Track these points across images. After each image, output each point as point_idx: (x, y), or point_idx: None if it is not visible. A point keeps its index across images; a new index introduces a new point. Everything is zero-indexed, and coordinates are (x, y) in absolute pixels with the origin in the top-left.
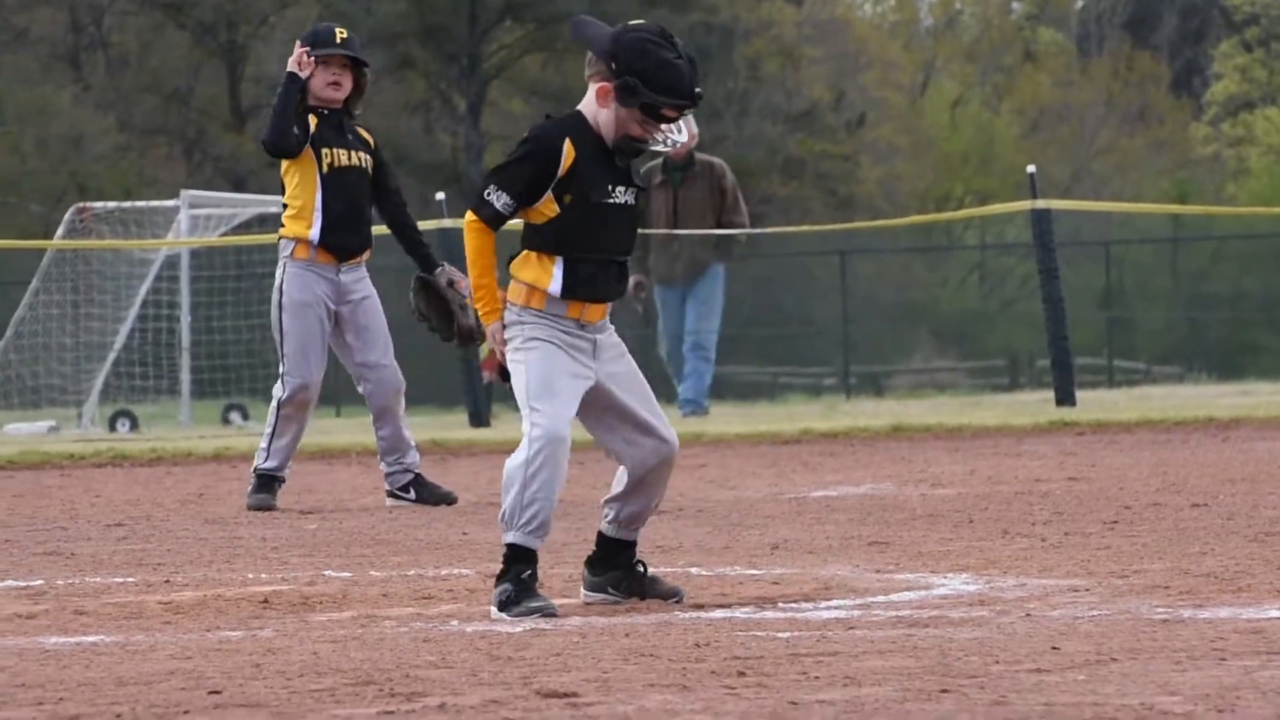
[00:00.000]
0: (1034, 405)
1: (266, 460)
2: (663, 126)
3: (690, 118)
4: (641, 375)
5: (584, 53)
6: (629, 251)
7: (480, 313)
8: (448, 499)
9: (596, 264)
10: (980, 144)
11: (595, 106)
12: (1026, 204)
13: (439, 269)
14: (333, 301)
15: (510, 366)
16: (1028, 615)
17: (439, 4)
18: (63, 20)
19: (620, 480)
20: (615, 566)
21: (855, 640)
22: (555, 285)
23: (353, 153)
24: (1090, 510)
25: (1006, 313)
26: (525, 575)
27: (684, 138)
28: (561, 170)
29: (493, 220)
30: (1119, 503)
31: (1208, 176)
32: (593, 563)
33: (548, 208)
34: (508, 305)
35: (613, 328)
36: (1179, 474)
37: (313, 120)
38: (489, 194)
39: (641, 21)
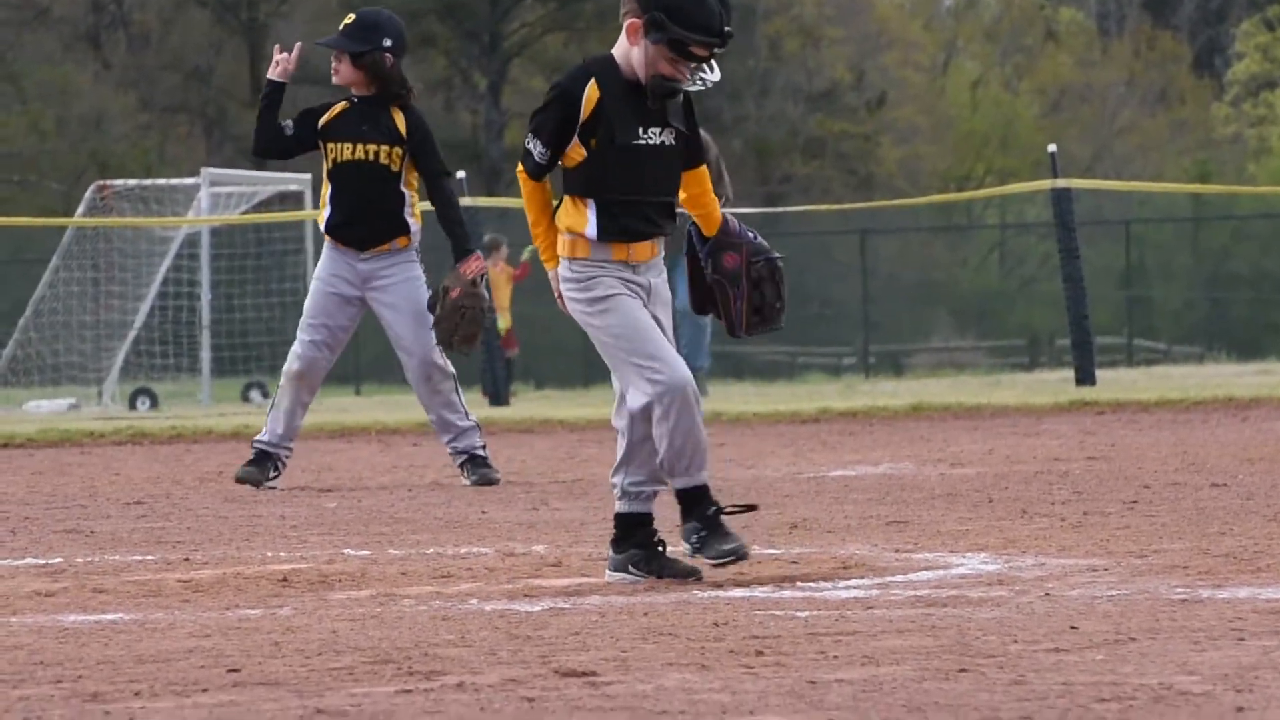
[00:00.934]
0: (1054, 385)
1: (263, 432)
2: (694, 66)
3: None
4: (669, 323)
5: (602, 29)
6: (670, 193)
7: (542, 258)
8: (490, 480)
9: (631, 205)
10: (1001, 124)
11: (626, 47)
12: (1047, 183)
13: (465, 260)
14: (355, 287)
15: (582, 324)
16: (1046, 595)
17: None
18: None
19: (620, 446)
20: (635, 544)
21: (874, 619)
22: (591, 229)
23: (361, 145)
24: (1109, 490)
25: (1026, 292)
26: (711, 512)
27: (716, 76)
28: (584, 114)
29: (534, 171)
30: (1138, 482)
31: (1229, 156)
32: (613, 543)
33: (576, 152)
34: (560, 258)
35: (665, 272)
36: (1198, 454)
37: (333, 112)
38: (528, 143)
39: None
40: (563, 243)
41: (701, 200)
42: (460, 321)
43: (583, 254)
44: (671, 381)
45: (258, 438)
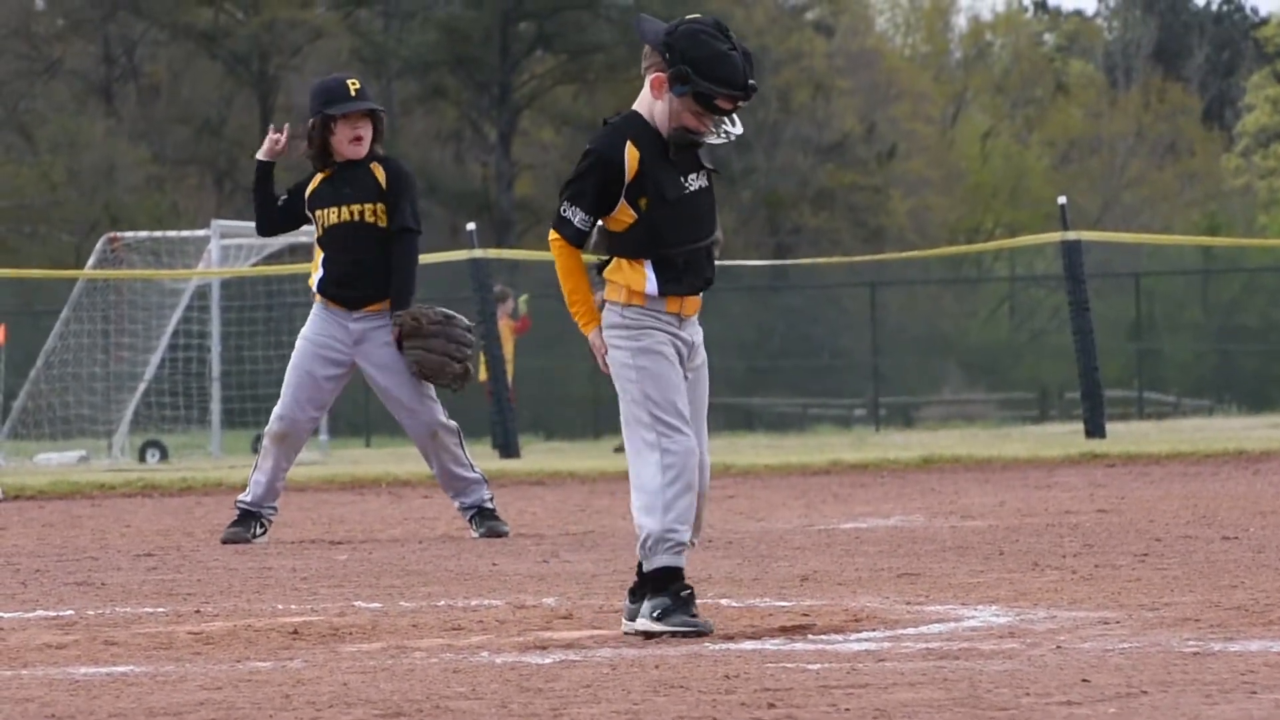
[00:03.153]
0: (1064, 437)
1: (245, 492)
2: (716, 119)
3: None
4: (706, 392)
5: (611, 81)
6: (713, 232)
7: (580, 324)
8: (499, 532)
9: (686, 256)
10: (1010, 176)
11: (650, 100)
12: (1057, 235)
13: (398, 314)
14: (345, 348)
15: (618, 371)
16: (1058, 647)
17: (471, 34)
18: (95, 51)
19: None
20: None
21: (885, 672)
22: (651, 286)
23: (344, 208)
24: (1120, 542)
25: (1036, 344)
26: (685, 594)
27: (739, 130)
28: (629, 176)
29: (575, 238)
30: (1149, 535)
31: (1239, 208)
32: (633, 591)
33: (624, 214)
34: (607, 306)
35: (698, 325)
36: (1209, 506)
37: (315, 181)
38: (565, 211)
39: (697, 15)
40: (616, 289)
41: None
42: (430, 370)
43: (638, 303)
44: (683, 448)
45: (240, 497)
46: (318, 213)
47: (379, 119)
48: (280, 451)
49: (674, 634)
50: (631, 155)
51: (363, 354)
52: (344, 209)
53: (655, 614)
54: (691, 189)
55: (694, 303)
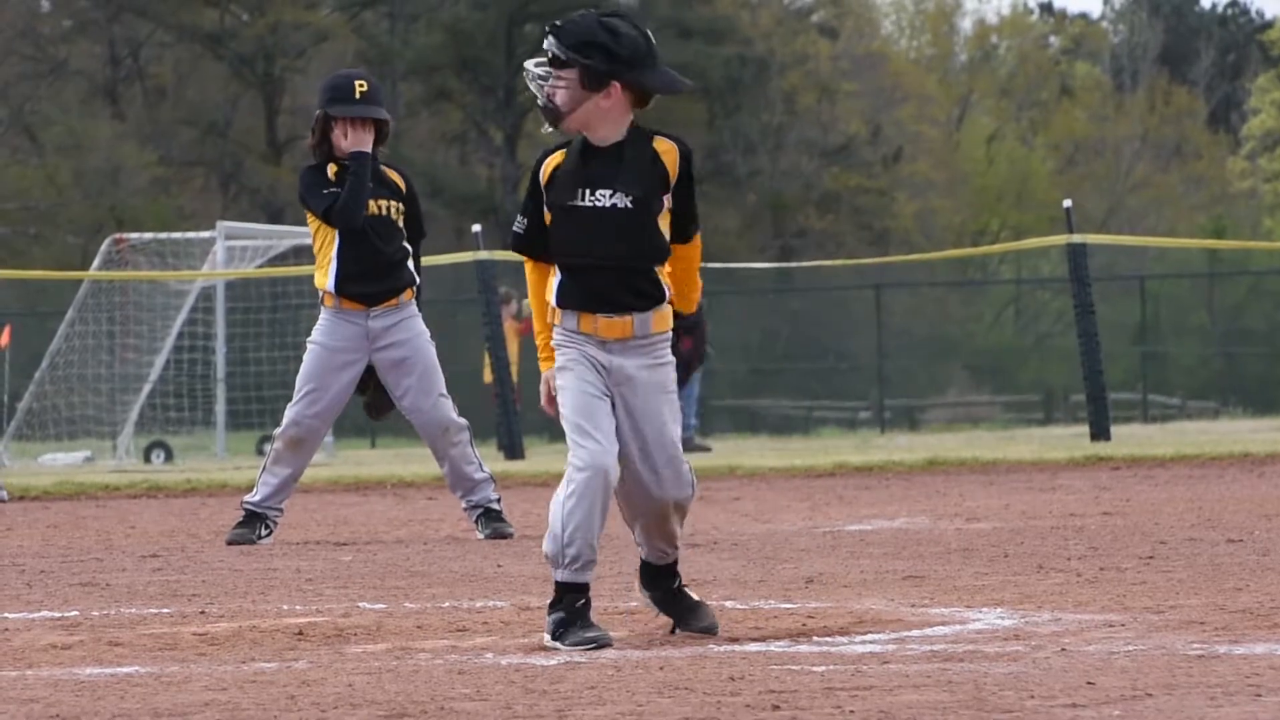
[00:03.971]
0: (1069, 440)
1: (253, 493)
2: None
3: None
4: (665, 417)
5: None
6: (624, 258)
7: (540, 358)
8: (503, 534)
9: (587, 271)
10: (1016, 179)
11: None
12: (1062, 238)
13: None
14: (360, 351)
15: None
16: (1063, 650)
17: (476, 37)
18: (101, 53)
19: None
20: (658, 588)
21: (890, 674)
22: (553, 295)
23: (374, 201)
24: (1125, 545)
25: (1041, 347)
26: (579, 604)
27: (537, 71)
28: (544, 179)
29: (515, 243)
30: (1154, 538)
31: (1244, 211)
32: (640, 576)
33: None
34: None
35: (652, 357)
36: (1214, 509)
37: (331, 170)
38: (515, 224)
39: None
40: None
41: (678, 278)
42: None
43: (557, 320)
44: (589, 464)
45: (247, 498)
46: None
47: (384, 126)
48: (296, 457)
49: (572, 651)
50: (553, 160)
51: (378, 352)
52: (373, 202)
53: (553, 632)
54: (598, 204)
55: (611, 326)
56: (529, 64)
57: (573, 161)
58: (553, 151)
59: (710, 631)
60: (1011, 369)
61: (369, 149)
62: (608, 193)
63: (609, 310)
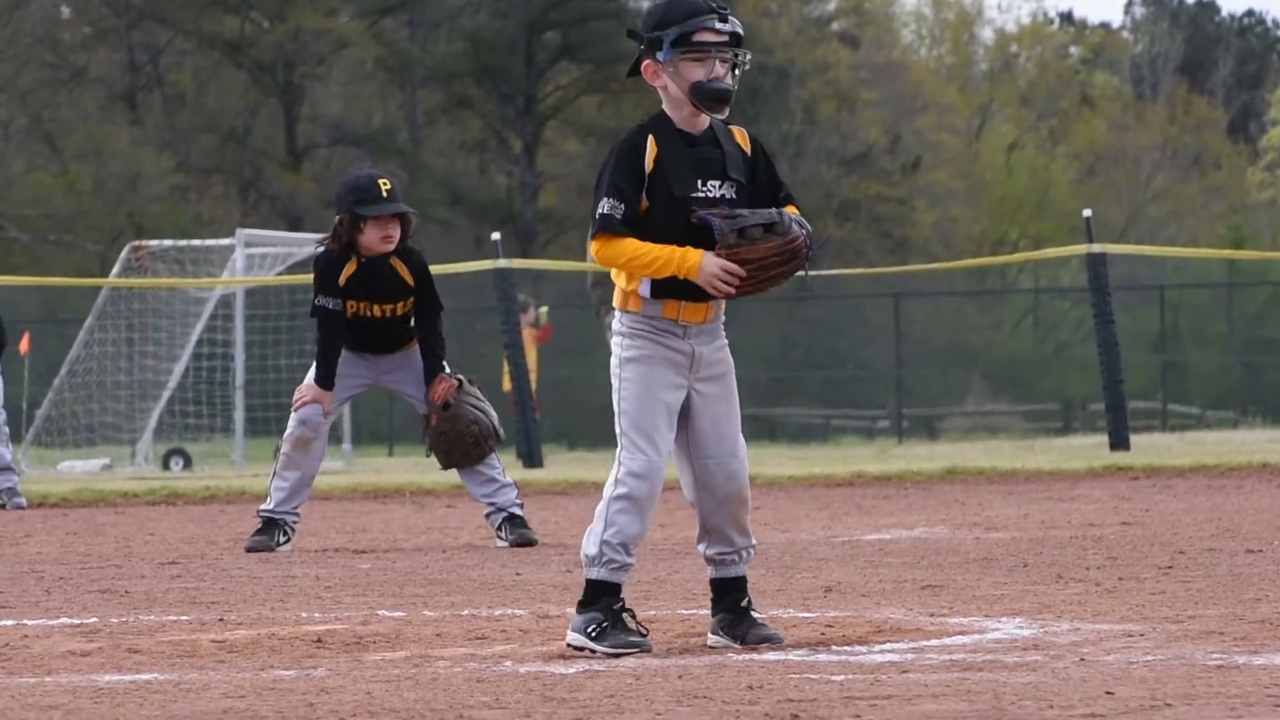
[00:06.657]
0: (1088, 449)
1: (266, 501)
2: (725, 61)
3: None
4: (735, 404)
5: (637, 92)
6: (725, 243)
7: (681, 272)
8: (528, 540)
9: None
10: (1035, 188)
11: (665, 98)
12: (1082, 248)
13: (434, 384)
14: (368, 376)
15: (612, 379)
16: (1082, 660)
17: (496, 44)
18: (120, 60)
19: (698, 518)
20: (724, 609)
21: (909, 684)
22: (644, 285)
23: (380, 305)
24: (1144, 555)
25: (1060, 356)
26: (616, 607)
27: (748, 56)
28: (648, 165)
29: (624, 224)
30: (1173, 548)
31: (1264, 221)
32: (712, 604)
33: (641, 206)
34: (615, 313)
35: (724, 340)
36: (1234, 519)
37: (347, 273)
38: (603, 209)
39: None
40: (618, 293)
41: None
42: (452, 445)
43: (634, 308)
44: (642, 470)
45: (262, 506)
46: (350, 303)
47: (408, 220)
48: (303, 459)
49: (609, 655)
50: (652, 146)
51: (389, 380)
52: (382, 306)
53: (591, 631)
54: (709, 194)
55: (696, 310)
56: (748, 55)
57: (674, 150)
58: (641, 136)
59: (774, 641)
60: (1030, 378)
61: (395, 241)
62: (717, 184)
63: (695, 297)
